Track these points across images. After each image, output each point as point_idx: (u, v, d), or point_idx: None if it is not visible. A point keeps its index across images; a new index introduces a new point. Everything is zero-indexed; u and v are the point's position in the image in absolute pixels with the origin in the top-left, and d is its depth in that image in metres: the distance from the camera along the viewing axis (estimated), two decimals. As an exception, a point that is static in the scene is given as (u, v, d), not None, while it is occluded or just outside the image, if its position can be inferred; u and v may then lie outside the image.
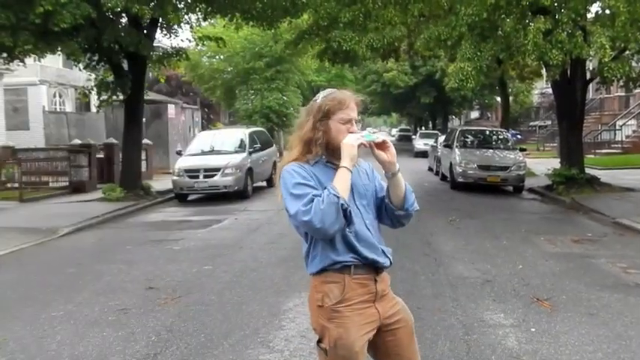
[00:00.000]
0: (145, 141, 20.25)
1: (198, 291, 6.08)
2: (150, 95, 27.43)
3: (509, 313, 5.24)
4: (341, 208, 2.23)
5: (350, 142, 2.34)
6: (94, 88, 14.51)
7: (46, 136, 23.64)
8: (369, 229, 2.45)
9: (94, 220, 11.17)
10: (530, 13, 10.88)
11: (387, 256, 2.49)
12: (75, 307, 5.60)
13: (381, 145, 2.41)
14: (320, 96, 2.47)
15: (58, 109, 27.37)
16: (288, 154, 2.50)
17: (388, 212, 2.54)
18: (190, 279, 6.60)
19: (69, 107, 28.17)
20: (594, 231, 9.52)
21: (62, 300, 5.88)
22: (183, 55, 15.11)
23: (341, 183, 2.28)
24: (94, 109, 25.21)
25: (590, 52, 10.28)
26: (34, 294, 6.20)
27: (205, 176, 14.17)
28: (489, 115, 53.10)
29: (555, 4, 10.81)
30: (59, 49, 11.76)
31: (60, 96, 28.19)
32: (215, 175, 14.16)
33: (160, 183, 16.86)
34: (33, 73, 24.70)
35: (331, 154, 2.42)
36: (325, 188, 2.27)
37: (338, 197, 2.22)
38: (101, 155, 17.64)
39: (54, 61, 25.04)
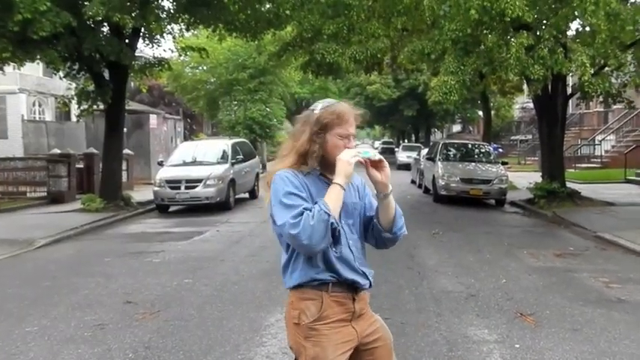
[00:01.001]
0: (126, 151, 20.02)
1: (177, 305, 5.94)
2: (132, 105, 27.20)
3: (493, 328, 5.19)
4: (330, 227, 2.16)
5: (346, 158, 2.26)
6: (74, 97, 14.30)
7: (24, 146, 23.23)
8: (350, 250, 2.38)
9: (72, 232, 10.95)
10: (512, 30, 10.97)
11: (368, 278, 2.43)
12: (50, 322, 5.44)
13: (377, 164, 2.35)
14: (318, 106, 2.39)
15: (37, 118, 26.97)
16: (280, 161, 2.41)
17: (375, 232, 2.48)
18: (170, 293, 6.46)
19: (49, 116, 27.78)
20: (576, 245, 9.55)
21: (37, 314, 5.71)
22: (165, 65, 14.99)
23: (333, 200, 2.21)
24: (74, 119, 24.87)
25: (572, 69, 10.38)
26: (8, 308, 6.01)
27: (187, 187, 14.02)
28: (471, 129, 53.52)
29: (537, 21, 10.93)
30: (38, 57, 11.55)
31: (40, 105, 27.81)
32: (197, 186, 14.01)
33: (141, 194, 16.66)
34: (12, 82, 24.35)
35: (325, 168, 2.36)
36: (316, 202, 2.20)
37: (329, 215, 2.15)
38: (81, 165, 17.38)
39: (34, 69, 24.74)
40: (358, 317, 2.41)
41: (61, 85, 19.76)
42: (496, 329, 5.16)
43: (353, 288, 2.39)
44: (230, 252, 8.87)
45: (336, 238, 2.23)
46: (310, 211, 2.16)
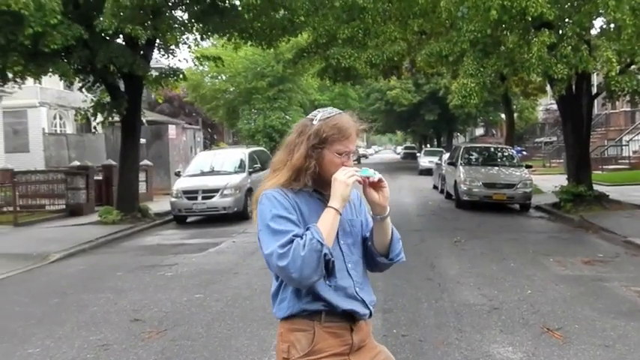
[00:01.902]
0: (145, 162, 20.06)
1: (185, 323, 5.71)
2: (151, 116, 27.35)
3: (517, 345, 4.85)
4: (324, 259, 1.89)
5: (343, 179, 2.00)
6: (91, 110, 14.27)
7: (45, 159, 23.46)
8: (349, 275, 2.10)
9: (87, 245, 10.84)
10: (533, 29, 10.59)
11: (368, 307, 2.15)
12: (53, 343, 5.24)
13: (376, 184, 2.09)
14: (317, 117, 2.11)
15: (58, 131, 27.21)
16: (272, 176, 2.14)
17: (368, 255, 2.21)
18: (179, 309, 6.24)
19: (69, 129, 28.01)
20: (605, 251, 9.12)
21: (42, 334, 5.53)
22: (180, 75, 14.87)
23: (327, 226, 1.95)
24: (96, 131, 25.08)
25: (597, 66, 9.94)
26: (13, 327, 5.85)
27: (204, 197, 13.85)
28: (494, 132, 52.79)
29: (559, 19, 10.53)
30: (50, 70, 11.50)
31: (60, 118, 28.06)
32: (214, 196, 13.84)
33: (160, 204, 16.56)
34: (33, 95, 24.63)
35: (318, 184, 2.10)
36: (308, 228, 1.94)
37: (322, 244, 1.89)
38: (100, 177, 17.38)
39: (54, 82, 24.93)
40: (358, 350, 2.13)
41: (81, 97, 19.88)
42: (521, 346, 4.82)
43: (350, 317, 2.11)
44: (244, 264, 8.63)
45: (329, 270, 1.96)
46: (301, 238, 1.90)
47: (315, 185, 2.10)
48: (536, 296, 6.41)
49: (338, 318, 2.08)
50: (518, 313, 5.77)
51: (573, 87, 13.30)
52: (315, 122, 2.09)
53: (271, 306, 2.19)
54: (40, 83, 24.43)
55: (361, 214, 2.25)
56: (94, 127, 15.67)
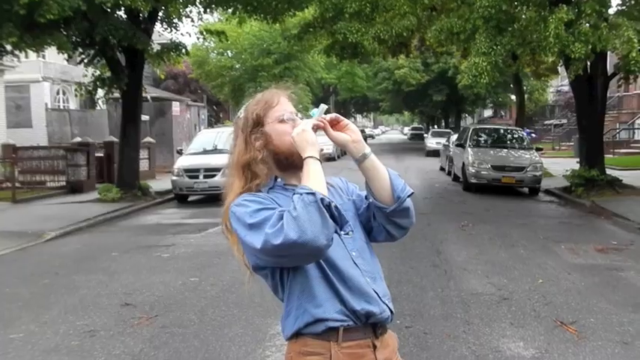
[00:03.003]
0: (148, 139, 19.77)
1: (178, 309, 5.43)
2: (155, 93, 26.99)
3: (529, 340, 4.54)
4: (323, 206, 1.56)
5: (300, 129, 1.72)
6: (91, 85, 13.93)
7: (48, 134, 23.17)
8: (356, 264, 1.77)
9: (85, 223, 10.57)
10: (548, 5, 10.10)
11: (386, 303, 1.80)
12: (38, 328, 4.97)
13: (337, 125, 1.78)
14: (242, 109, 1.88)
15: (61, 107, 26.90)
16: (229, 192, 1.82)
17: (379, 217, 1.86)
18: (172, 293, 5.95)
19: (73, 105, 27.68)
20: (619, 238, 8.77)
21: (27, 318, 5.26)
22: (183, 50, 14.46)
23: (312, 178, 1.63)
24: (98, 107, 24.72)
25: (616, 45, 9.46)
26: (-2, 309, 5.59)
27: (205, 176, 13.53)
28: (503, 114, 52.16)
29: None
30: (48, 42, 11.10)
31: (64, 93, 27.72)
32: (216, 175, 13.48)
33: (162, 183, 16.27)
34: (36, 70, 24.29)
35: (286, 170, 1.79)
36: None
37: (314, 193, 1.56)
38: (101, 154, 17.10)
39: (58, 57, 24.57)
40: None
41: (84, 72, 19.55)
42: (533, 341, 4.51)
43: (371, 329, 1.77)
44: (244, 246, 8.33)
45: (338, 218, 1.61)
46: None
47: (284, 177, 1.81)
48: (547, 286, 6.08)
49: (359, 334, 1.74)
50: (530, 305, 5.45)
51: (588, 67, 12.83)
52: (241, 114, 1.86)
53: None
54: (43, 57, 24.16)
55: (351, 194, 1.95)
56: (93, 103, 15.29)
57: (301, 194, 1.56)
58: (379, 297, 1.78)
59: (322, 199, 1.55)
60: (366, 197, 1.88)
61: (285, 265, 1.71)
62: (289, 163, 1.77)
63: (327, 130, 1.76)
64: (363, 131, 23.58)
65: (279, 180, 1.82)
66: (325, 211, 1.55)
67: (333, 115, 1.79)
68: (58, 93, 27.29)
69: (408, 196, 1.83)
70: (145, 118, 20.94)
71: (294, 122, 1.79)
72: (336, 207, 1.60)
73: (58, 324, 5.08)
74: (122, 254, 8.04)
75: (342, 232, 1.76)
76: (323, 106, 1.82)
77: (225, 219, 1.79)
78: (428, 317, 5.08)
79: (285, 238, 1.52)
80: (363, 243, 1.85)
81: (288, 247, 1.53)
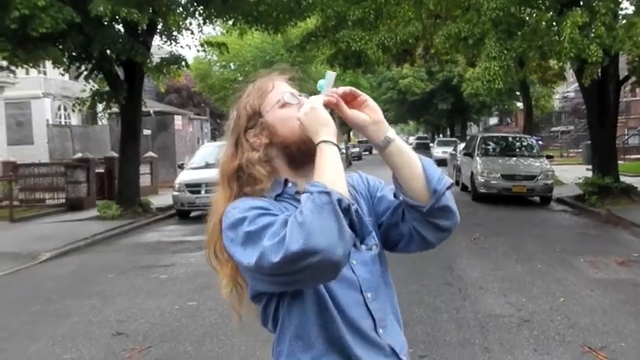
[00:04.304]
0: (150, 154, 19.46)
1: (173, 338, 5.03)
2: (158, 107, 26.74)
3: (557, 370, 4.13)
4: (341, 209, 1.17)
5: (307, 107, 1.34)
6: (89, 99, 13.64)
7: (50, 151, 22.95)
8: (370, 314, 1.38)
9: (82, 243, 10.21)
10: (559, 6, 9.73)
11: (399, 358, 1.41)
12: (21, 362, 4.60)
13: (353, 101, 1.39)
14: (234, 108, 1.49)
15: (62, 123, 26.68)
16: (213, 207, 1.45)
17: (411, 220, 1.44)
18: (168, 320, 5.56)
19: (74, 120, 27.46)
20: (640, 250, 8.35)
21: (12, 352, 4.90)
22: (183, 63, 14.16)
23: (327, 170, 1.24)
24: (100, 123, 24.47)
25: (633, 47, 9.06)
26: (-19, 341, 5.21)
27: (207, 191, 13.14)
28: (509, 121, 51.72)
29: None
30: (42, 56, 10.81)
31: (65, 109, 27.50)
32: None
33: (165, 198, 15.91)
34: (36, 86, 24.11)
35: (302, 166, 1.39)
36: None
37: (329, 193, 1.17)
38: (101, 170, 16.78)
39: (58, 73, 24.43)
40: None
41: (86, 88, 19.31)
42: (561, 371, 4.10)
43: None
44: (246, 265, 7.95)
45: (357, 225, 1.24)
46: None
47: (300, 174, 1.40)
48: (570, 305, 5.67)
49: None
50: (553, 327, 5.03)
51: (599, 71, 12.44)
52: (232, 116, 1.49)
53: None
54: (44, 74, 23.99)
55: (375, 190, 1.55)
56: (91, 118, 15.01)
57: (312, 193, 1.19)
58: (395, 354, 1.40)
59: (340, 201, 1.18)
60: (394, 195, 1.49)
61: (288, 289, 1.31)
62: (303, 153, 1.37)
63: (340, 107, 1.37)
64: (366, 142, 23.16)
65: (289, 185, 1.41)
66: (343, 217, 1.17)
67: (347, 88, 1.39)
68: (59, 109, 27.08)
69: (447, 187, 1.43)
70: (146, 132, 20.69)
71: (298, 103, 1.42)
72: (357, 211, 1.24)
73: (44, 358, 4.71)
74: (118, 276, 7.67)
75: (364, 247, 1.39)
76: (331, 74, 1.42)
77: (211, 243, 1.42)
78: (443, 344, 4.67)
79: (287, 252, 1.15)
80: (379, 279, 1.44)
81: (286, 260, 1.15)
